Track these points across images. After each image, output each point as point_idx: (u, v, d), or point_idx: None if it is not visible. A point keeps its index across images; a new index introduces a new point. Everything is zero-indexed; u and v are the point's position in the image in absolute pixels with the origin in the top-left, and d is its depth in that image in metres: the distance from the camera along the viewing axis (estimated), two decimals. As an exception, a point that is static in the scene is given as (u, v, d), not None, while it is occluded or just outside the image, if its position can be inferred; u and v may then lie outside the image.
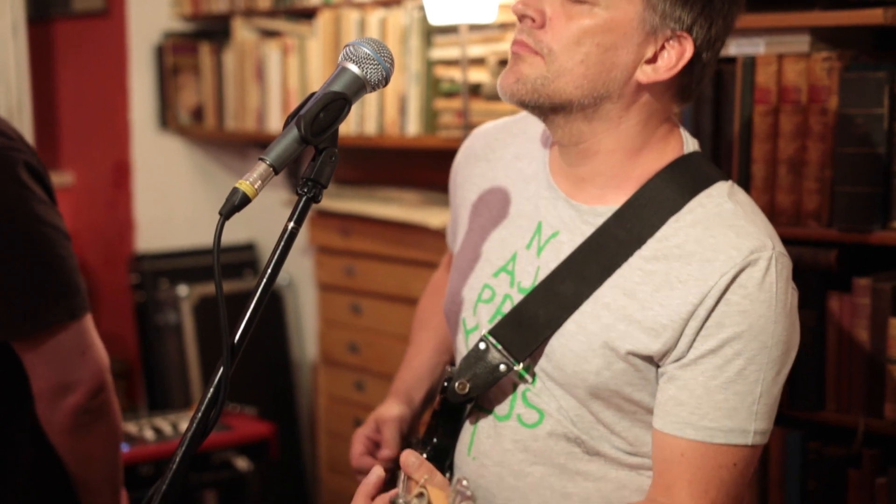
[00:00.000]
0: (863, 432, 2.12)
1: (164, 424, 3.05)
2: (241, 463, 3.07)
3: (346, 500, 3.90)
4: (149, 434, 2.97)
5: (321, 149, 1.29)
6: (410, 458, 1.28)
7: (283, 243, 1.31)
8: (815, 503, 2.22)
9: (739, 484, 1.36)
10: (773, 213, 2.14)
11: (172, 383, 3.61)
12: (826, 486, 2.19)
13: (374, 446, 1.67)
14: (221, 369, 1.29)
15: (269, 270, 1.30)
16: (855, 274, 2.11)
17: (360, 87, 1.32)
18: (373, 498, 1.31)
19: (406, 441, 1.68)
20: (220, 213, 1.26)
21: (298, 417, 3.86)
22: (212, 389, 1.30)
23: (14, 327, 1.66)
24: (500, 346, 1.44)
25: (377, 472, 1.35)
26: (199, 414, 1.29)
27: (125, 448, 2.88)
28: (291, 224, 1.30)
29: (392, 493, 1.29)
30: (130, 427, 3.00)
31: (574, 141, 1.43)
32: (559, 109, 1.40)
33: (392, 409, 1.67)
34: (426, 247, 3.09)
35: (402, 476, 1.31)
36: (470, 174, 1.62)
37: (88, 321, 1.73)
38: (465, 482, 1.05)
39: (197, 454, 3.27)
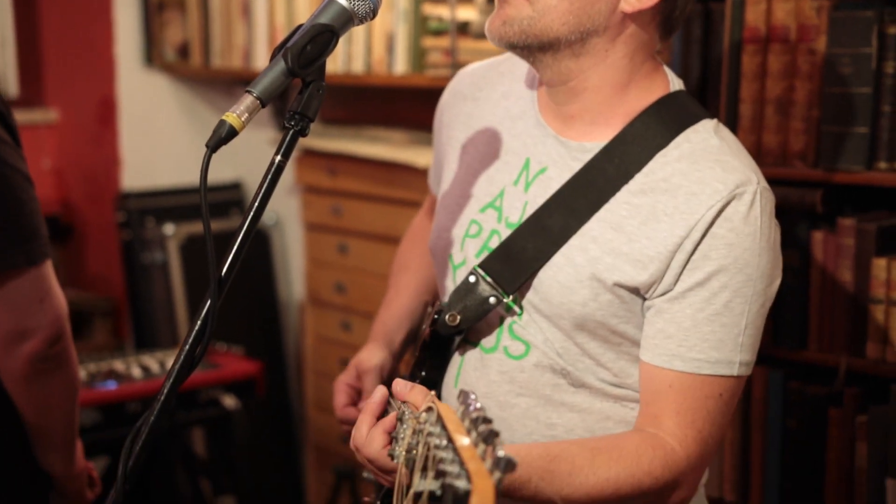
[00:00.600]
0: (844, 371, 2.14)
1: (152, 362, 3.05)
2: (229, 401, 3.09)
3: (332, 438, 3.93)
4: (136, 372, 2.98)
5: (308, 82, 1.29)
6: (400, 384, 1.30)
7: (269, 177, 1.31)
8: (795, 442, 2.25)
9: (725, 413, 1.39)
10: (759, 153, 2.15)
11: (159, 322, 3.61)
12: (807, 424, 2.22)
13: (357, 394, 1.68)
14: (209, 302, 1.29)
15: (256, 204, 1.30)
16: (840, 214, 2.12)
17: (348, 19, 1.31)
18: (378, 418, 1.33)
19: (390, 381, 1.70)
20: (207, 146, 1.26)
21: (285, 357, 3.88)
22: (199, 323, 1.30)
23: None
24: (489, 279, 1.45)
25: (381, 391, 1.36)
26: (187, 347, 1.29)
27: (113, 386, 2.89)
28: (278, 157, 1.30)
29: (393, 416, 1.29)
30: (117, 365, 3.01)
31: (562, 80, 1.45)
32: (547, 48, 1.41)
33: (373, 358, 1.68)
34: (413, 186, 3.09)
35: (397, 403, 1.32)
36: (457, 114, 1.63)
37: (48, 268, 1.69)
38: (473, 395, 1.05)
39: (184, 392, 3.29)
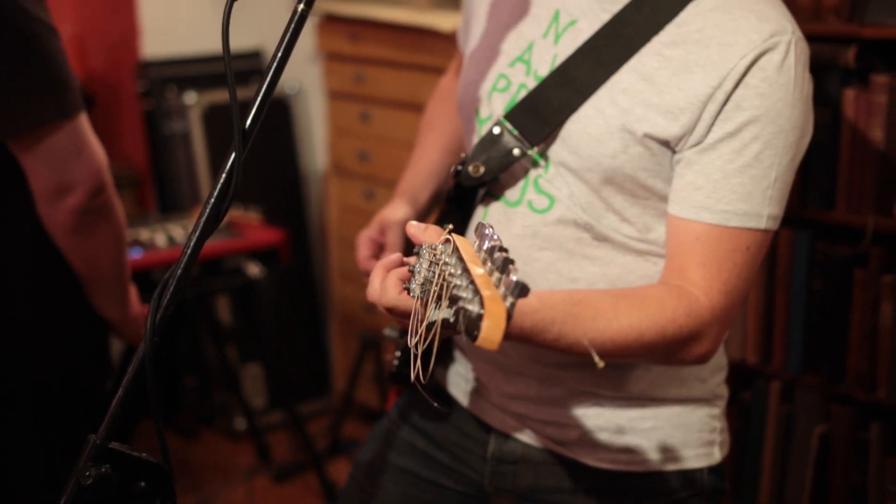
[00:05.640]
0: (872, 231, 2.12)
1: (176, 230, 3.07)
2: (253, 269, 3.11)
3: (357, 306, 3.95)
4: (161, 240, 3.00)
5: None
6: (413, 226, 1.25)
7: (293, 26, 1.28)
8: (820, 303, 2.25)
9: (751, 267, 1.38)
10: (791, 7, 2.08)
11: (183, 191, 3.62)
12: (832, 285, 2.22)
13: (380, 249, 1.68)
14: (233, 154, 1.28)
15: (280, 53, 1.27)
16: (873, 71, 2.08)
17: None
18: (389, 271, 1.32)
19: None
20: (230, -10, 1.23)
21: (309, 227, 3.89)
22: (224, 175, 1.29)
23: (3, 127, 1.62)
24: (514, 131, 1.44)
25: (397, 255, 1.34)
26: (212, 199, 1.29)
27: (138, 253, 2.91)
28: (301, 6, 1.27)
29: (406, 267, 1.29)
30: (142, 233, 3.03)
31: None
32: None
33: (397, 212, 1.67)
34: (436, 51, 3.05)
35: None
36: None
37: (83, 120, 1.68)
38: (489, 227, 1.03)
39: (209, 260, 3.30)
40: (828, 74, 2.09)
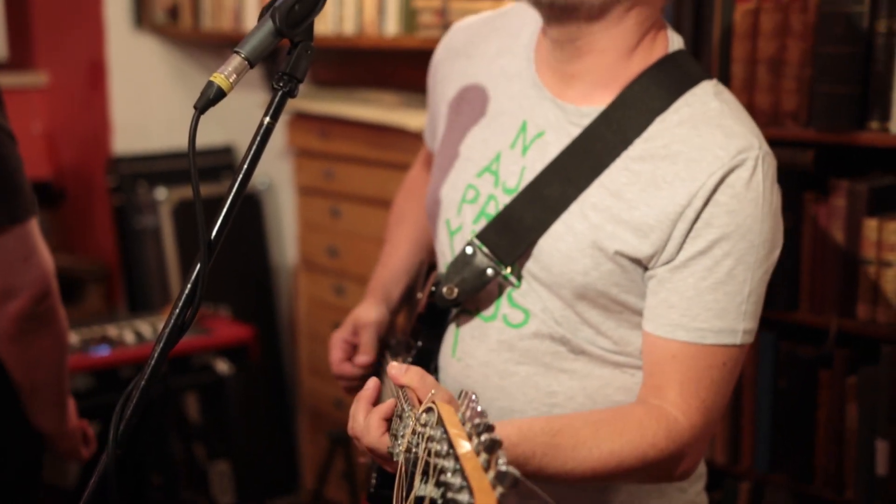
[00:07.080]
0: (835, 332, 2.14)
1: (145, 327, 3.05)
2: (222, 366, 3.09)
3: (326, 402, 3.92)
4: (129, 337, 2.98)
5: (296, 42, 1.28)
6: (395, 367, 1.27)
7: (258, 139, 1.29)
8: (786, 403, 2.26)
9: (729, 382, 1.38)
10: (751, 113, 2.10)
11: (152, 287, 3.61)
12: (797, 386, 2.23)
13: (353, 350, 1.67)
14: (199, 266, 1.28)
15: (245, 166, 1.29)
16: (832, 175, 2.12)
17: (336, -21, 1.30)
18: (373, 403, 1.30)
19: (386, 343, 1.69)
20: (195, 108, 1.24)
21: (278, 321, 3.88)
22: (189, 286, 1.30)
23: None
24: (486, 251, 1.44)
25: (374, 381, 1.32)
26: (177, 311, 1.29)
27: (106, 351, 2.89)
28: (267, 119, 1.29)
29: (390, 402, 1.27)
30: (111, 330, 3.01)
31: (571, 38, 1.40)
32: (571, 11, 1.37)
33: (370, 313, 1.67)
34: (405, 149, 3.08)
35: (395, 389, 1.30)
36: (450, 71, 1.60)
37: (32, 226, 1.67)
38: (474, 396, 1.02)
39: (177, 358, 3.28)
40: (787, 178, 2.11)
